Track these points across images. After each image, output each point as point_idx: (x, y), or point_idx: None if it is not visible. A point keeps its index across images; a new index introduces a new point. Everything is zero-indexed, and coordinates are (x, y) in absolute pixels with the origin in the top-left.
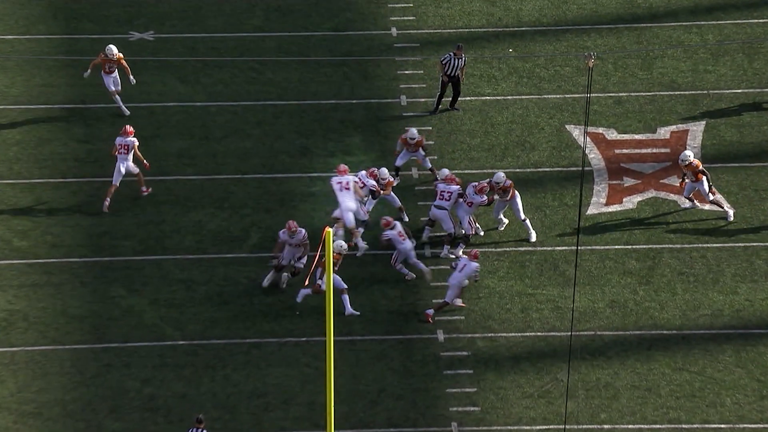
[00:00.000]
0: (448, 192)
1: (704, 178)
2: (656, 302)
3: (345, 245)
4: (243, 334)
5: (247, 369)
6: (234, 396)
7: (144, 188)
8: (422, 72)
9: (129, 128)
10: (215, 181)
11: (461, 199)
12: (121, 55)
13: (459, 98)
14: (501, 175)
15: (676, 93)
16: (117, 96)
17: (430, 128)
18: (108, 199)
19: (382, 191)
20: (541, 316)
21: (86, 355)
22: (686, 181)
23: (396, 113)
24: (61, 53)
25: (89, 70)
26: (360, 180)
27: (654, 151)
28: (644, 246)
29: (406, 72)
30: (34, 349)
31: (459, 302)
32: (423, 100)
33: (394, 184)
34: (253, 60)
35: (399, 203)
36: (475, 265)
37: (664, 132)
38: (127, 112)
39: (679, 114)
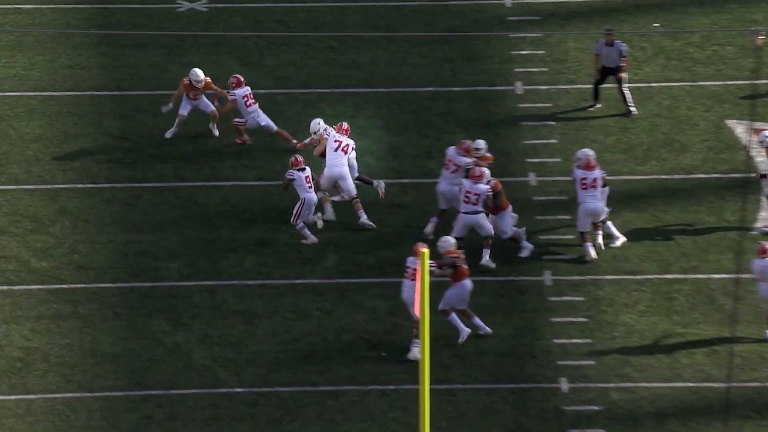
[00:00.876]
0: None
1: None
2: None
3: (452, 240)
4: (315, 380)
5: (321, 424)
6: None
7: (296, 141)
8: (543, 52)
9: (240, 77)
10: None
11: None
12: (208, 79)
13: (625, 96)
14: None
15: None
16: (180, 120)
17: (553, 123)
18: (291, 141)
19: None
20: (692, 362)
21: (120, 405)
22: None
23: (510, 104)
24: (92, 27)
25: (170, 104)
26: (451, 161)
27: None
28: None
29: (523, 52)
30: (56, 397)
31: None
32: (544, 87)
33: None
34: (331, 36)
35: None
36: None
37: None
38: (170, 135)
39: None
